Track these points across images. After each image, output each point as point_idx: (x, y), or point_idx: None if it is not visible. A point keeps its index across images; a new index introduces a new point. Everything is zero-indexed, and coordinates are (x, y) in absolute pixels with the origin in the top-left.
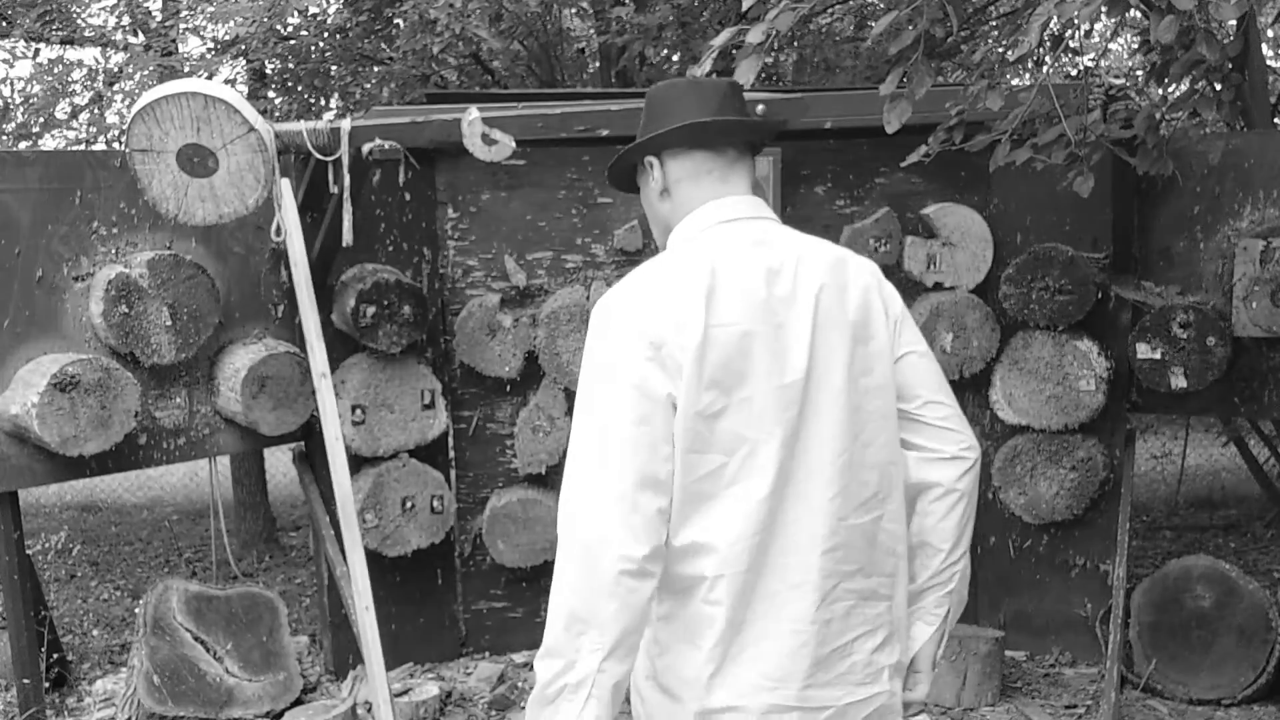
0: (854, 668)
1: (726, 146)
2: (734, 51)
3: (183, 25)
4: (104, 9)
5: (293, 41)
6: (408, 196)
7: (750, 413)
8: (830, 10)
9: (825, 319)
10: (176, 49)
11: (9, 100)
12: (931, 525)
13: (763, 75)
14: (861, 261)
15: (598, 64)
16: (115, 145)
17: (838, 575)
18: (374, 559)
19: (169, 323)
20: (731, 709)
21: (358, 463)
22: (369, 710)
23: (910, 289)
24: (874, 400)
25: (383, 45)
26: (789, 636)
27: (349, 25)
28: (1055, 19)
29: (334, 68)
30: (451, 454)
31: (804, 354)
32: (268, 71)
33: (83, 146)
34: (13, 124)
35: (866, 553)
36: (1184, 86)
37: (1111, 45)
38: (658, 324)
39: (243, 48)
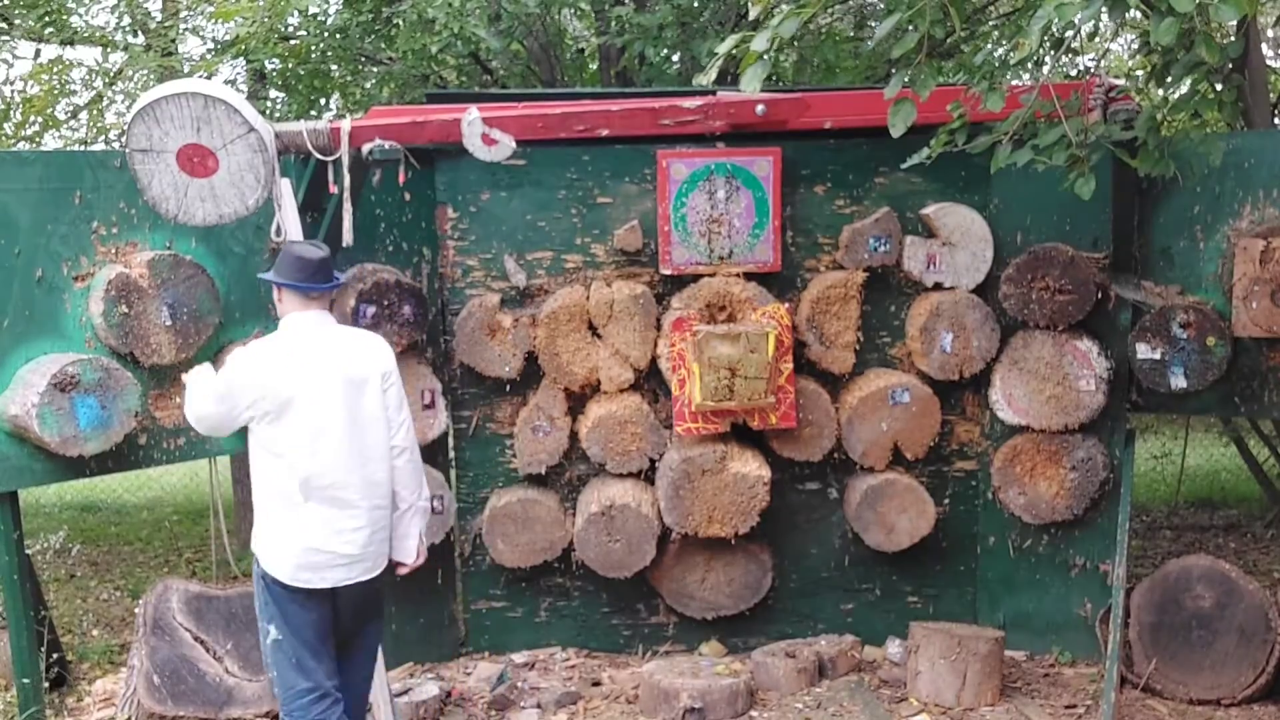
0: (354, 539)
1: (309, 289)
2: (734, 54)
3: (183, 25)
4: (104, 9)
5: (293, 41)
6: (408, 196)
7: (297, 425)
8: (830, 11)
9: (342, 377)
10: (176, 49)
11: (9, 100)
12: (399, 472)
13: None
14: (375, 343)
15: (598, 64)
16: (115, 145)
17: (342, 501)
18: None
19: (169, 323)
20: (296, 552)
21: None
22: (369, 710)
23: (910, 289)
24: (369, 416)
25: (382, 45)
26: (321, 524)
27: (349, 25)
28: (1056, 21)
29: (334, 68)
30: (451, 454)
31: (331, 396)
32: (268, 71)
33: (83, 146)
34: (13, 125)
35: (368, 488)
36: (1184, 88)
37: (1112, 46)
38: (254, 377)
39: (243, 48)
